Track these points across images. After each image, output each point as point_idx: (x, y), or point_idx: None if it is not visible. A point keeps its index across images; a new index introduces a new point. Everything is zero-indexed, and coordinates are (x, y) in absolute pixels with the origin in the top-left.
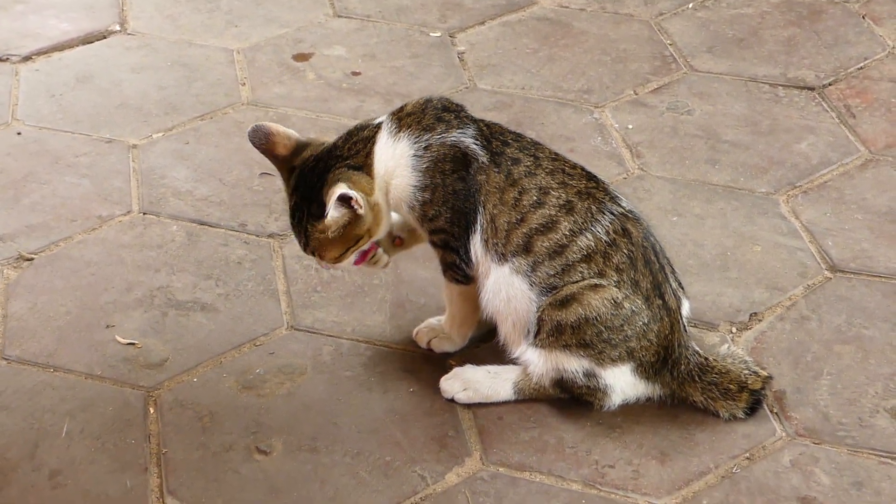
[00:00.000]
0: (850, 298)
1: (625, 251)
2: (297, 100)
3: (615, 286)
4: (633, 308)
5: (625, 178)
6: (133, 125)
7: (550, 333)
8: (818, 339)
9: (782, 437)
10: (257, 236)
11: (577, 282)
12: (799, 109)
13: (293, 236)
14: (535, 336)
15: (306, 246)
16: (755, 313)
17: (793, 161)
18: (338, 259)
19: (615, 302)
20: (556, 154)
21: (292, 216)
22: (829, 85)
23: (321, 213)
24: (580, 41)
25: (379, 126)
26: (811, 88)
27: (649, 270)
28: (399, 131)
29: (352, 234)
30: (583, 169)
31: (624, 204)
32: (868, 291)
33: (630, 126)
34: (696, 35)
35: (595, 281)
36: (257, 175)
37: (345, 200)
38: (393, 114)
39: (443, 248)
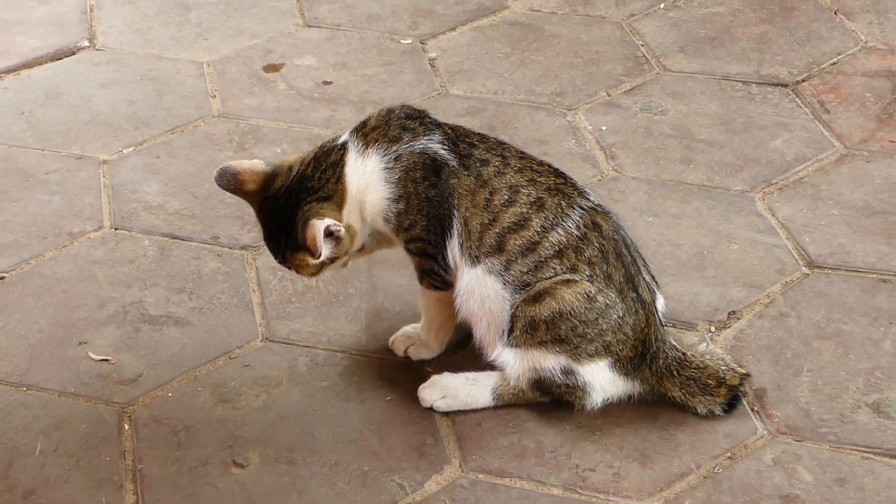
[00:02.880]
0: (829, 294)
1: (596, 245)
2: (269, 111)
3: (588, 280)
4: (607, 301)
5: (599, 180)
6: (103, 140)
7: (524, 330)
8: (797, 336)
9: (764, 436)
10: (230, 248)
11: (549, 277)
12: (773, 106)
13: (266, 249)
14: (510, 334)
15: (287, 267)
16: (733, 312)
17: (768, 158)
18: (315, 275)
19: (588, 296)
20: (523, 152)
21: (268, 241)
22: (803, 81)
23: (297, 245)
24: (552, 44)
25: (344, 146)
26: (785, 85)
27: (621, 263)
28: (367, 148)
29: (330, 256)
30: (549, 165)
31: (592, 198)
32: (846, 286)
33: (604, 128)
34: (668, 35)
35: (568, 276)
36: None
37: (328, 234)
38: (356, 130)
39: (420, 256)
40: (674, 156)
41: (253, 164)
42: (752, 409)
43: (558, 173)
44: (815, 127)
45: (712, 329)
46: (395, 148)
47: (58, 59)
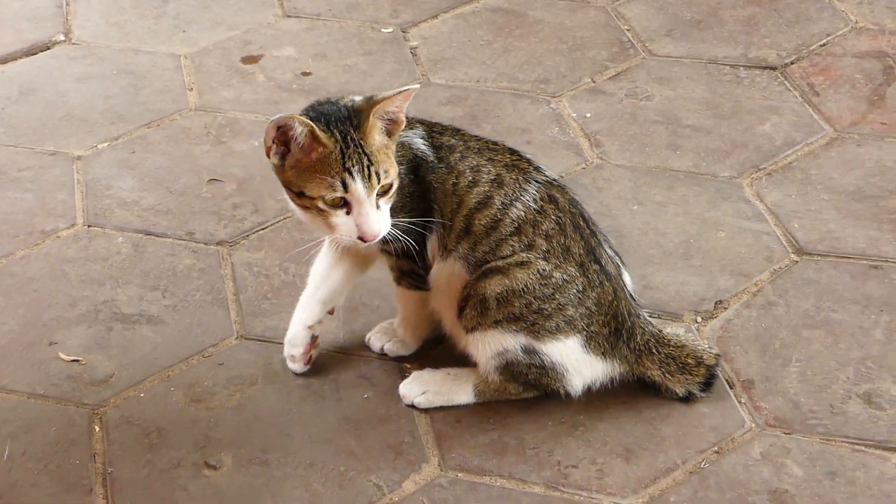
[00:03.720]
0: (818, 281)
1: (553, 217)
2: (247, 103)
3: (543, 258)
4: (565, 277)
5: (583, 169)
6: (78, 136)
7: (474, 307)
8: (786, 325)
9: (752, 429)
10: (205, 244)
11: (504, 257)
12: (761, 90)
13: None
14: (461, 314)
15: (371, 165)
16: (720, 301)
17: (756, 143)
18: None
19: (542, 273)
20: (478, 135)
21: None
22: (792, 63)
23: None
24: (535, 30)
25: None
26: (773, 68)
27: (580, 235)
28: None
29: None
30: (504, 144)
31: (547, 173)
32: (836, 273)
33: (588, 115)
34: (654, 19)
35: (522, 258)
36: (205, 182)
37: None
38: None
39: (398, 257)
40: (660, 142)
41: None
42: (740, 402)
43: (513, 151)
44: (804, 110)
45: (699, 319)
46: None
47: (33, 55)
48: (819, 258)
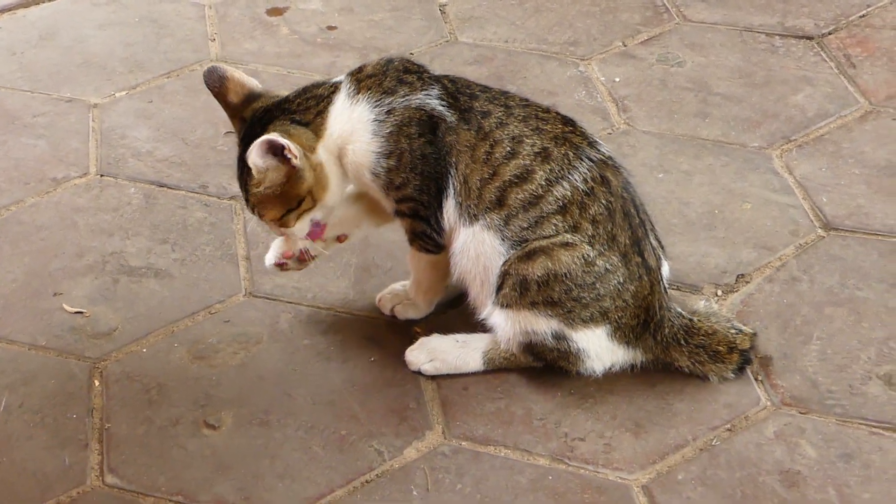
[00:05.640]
0: (844, 258)
1: (603, 202)
2: (269, 56)
3: (588, 243)
4: (608, 266)
5: (609, 134)
6: (96, 84)
7: (514, 289)
8: (809, 302)
9: (767, 407)
10: (218, 198)
11: (548, 236)
12: (796, 60)
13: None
14: (499, 292)
15: (247, 202)
16: (742, 275)
17: (788, 114)
18: (280, 222)
19: (587, 259)
20: (527, 100)
21: (237, 168)
22: (829, 34)
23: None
24: None
25: (337, 86)
26: (810, 38)
27: (628, 224)
28: (358, 93)
29: (291, 193)
30: (557, 113)
31: (603, 150)
32: (863, 250)
33: (617, 79)
34: None
35: (568, 238)
36: (222, 134)
37: (274, 148)
38: (352, 74)
39: (411, 218)
40: (689, 109)
41: (245, 77)
42: (756, 379)
43: (566, 121)
44: (839, 82)
45: (719, 293)
46: (388, 100)
47: None
48: (846, 234)
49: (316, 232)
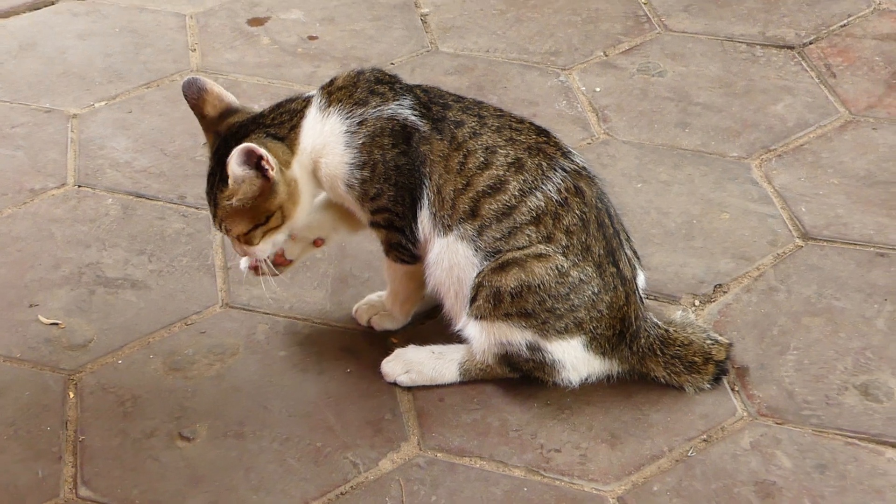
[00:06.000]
0: (822, 268)
1: (577, 212)
2: (249, 66)
3: (562, 254)
4: (582, 276)
5: (589, 144)
6: (75, 94)
7: (488, 300)
8: (786, 312)
9: (743, 417)
10: (196, 209)
11: (522, 247)
12: (777, 69)
13: None
14: (472, 303)
15: (215, 216)
16: (720, 285)
17: (768, 123)
18: (245, 238)
19: (560, 270)
20: (501, 110)
21: (207, 183)
22: (810, 43)
23: (224, 184)
24: (550, 1)
25: (309, 100)
26: (791, 47)
27: (603, 234)
28: (329, 106)
29: (262, 208)
30: (531, 123)
31: (577, 160)
32: (841, 260)
33: (598, 89)
34: None
35: (541, 249)
36: (201, 145)
37: (253, 158)
38: (323, 88)
39: (386, 229)
40: (669, 119)
41: (224, 92)
42: (733, 389)
43: (540, 131)
44: (819, 91)
45: (696, 303)
46: (360, 111)
47: (36, 9)
48: (825, 244)
49: (278, 256)
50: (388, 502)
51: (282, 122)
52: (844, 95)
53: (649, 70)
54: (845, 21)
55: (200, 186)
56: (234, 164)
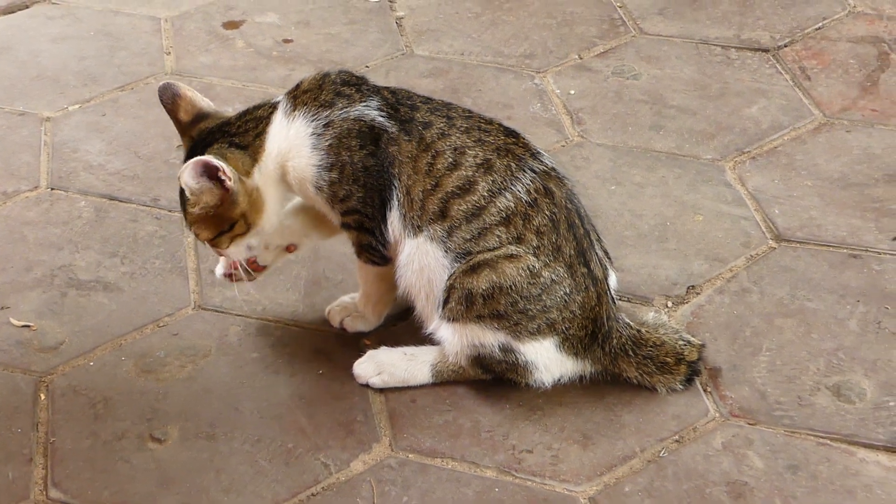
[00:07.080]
0: (795, 269)
1: (546, 213)
2: (224, 69)
3: (532, 255)
4: (554, 277)
5: (563, 146)
6: (49, 97)
7: (460, 302)
8: (758, 313)
9: (715, 418)
10: (169, 211)
11: (492, 249)
12: (751, 72)
13: None
14: (444, 306)
15: (185, 220)
16: (693, 286)
17: (742, 126)
18: (213, 243)
19: (532, 271)
20: (470, 111)
21: (179, 188)
22: (785, 46)
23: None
24: (525, 4)
25: (276, 106)
26: (765, 50)
27: (573, 235)
28: (294, 110)
29: (224, 216)
30: (500, 124)
31: (546, 161)
32: (814, 261)
33: (572, 92)
34: None
35: (512, 250)
36: (175, 147)
37: (209, 170)
38: (289, 92)
39: (357, 230)
40: (643, 122)
41: (198, 97)
42: (705, 390)
43: (509, 132)
44: (794, 94)
45: (669, 304)
46: (325, 113)
47: (10, 13)
48: (798, 245)
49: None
50: (359, 503)
51: (247, 129)
52: (819, 98)
53: (624, 73)
54: (820, 24)
55: (174, 189)
56: (187, 177)
